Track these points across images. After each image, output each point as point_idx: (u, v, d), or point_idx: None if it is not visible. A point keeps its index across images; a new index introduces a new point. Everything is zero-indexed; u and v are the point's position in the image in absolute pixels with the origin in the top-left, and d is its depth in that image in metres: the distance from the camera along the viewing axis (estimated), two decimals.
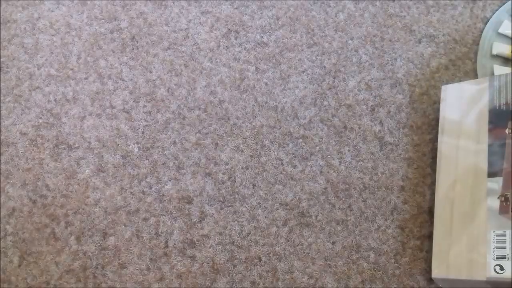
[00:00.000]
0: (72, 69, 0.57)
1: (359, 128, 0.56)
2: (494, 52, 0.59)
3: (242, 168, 0.54)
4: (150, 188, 0.53)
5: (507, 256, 0.43)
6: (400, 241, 0.51)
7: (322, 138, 0.55)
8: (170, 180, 0.53)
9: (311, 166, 0.54)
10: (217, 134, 0.55)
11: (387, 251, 0.51)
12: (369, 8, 0.62)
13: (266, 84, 0.57)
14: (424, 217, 0.52)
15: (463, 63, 0.59)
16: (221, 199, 0.53)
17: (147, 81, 0.57)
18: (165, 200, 0.52)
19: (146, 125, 0.55)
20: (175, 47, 0.59)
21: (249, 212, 0.52)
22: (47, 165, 0.53)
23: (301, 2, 0.62)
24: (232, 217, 0.52)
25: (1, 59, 0.57)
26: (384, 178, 0.54)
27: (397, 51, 0.60)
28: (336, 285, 0.50)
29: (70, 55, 0.58)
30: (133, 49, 0.58)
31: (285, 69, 0.58)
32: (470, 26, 0.61)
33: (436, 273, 0.47)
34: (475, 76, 0.59)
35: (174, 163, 0.54)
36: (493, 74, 0.57)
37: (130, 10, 0.61)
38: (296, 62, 0.58)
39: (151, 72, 0.57)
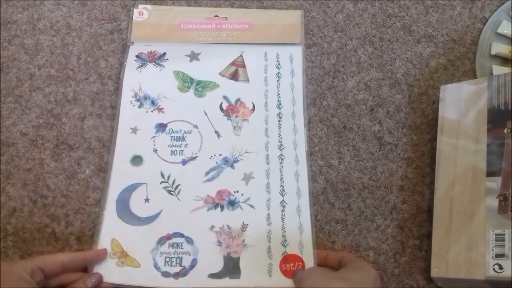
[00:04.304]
0: (72, 70, 0.57)
1: (359, 128, 0.56)
2: (493, 52, 0.59)
3: None
4: None
5: (506, 256, 0.43)
6: (400, 240, 0.51)
7: (321, 138, 0.55)
8: None
9: (311, 166, 0.54)
10: None
11: (386, 250, 0.51)
12: (368, 9, 0.62)
13: None
14: (423, 216, 0.52)
15: (462, 63, 0.60)
16: None
17: None
18: None
19: None
20: None
21: None
22: (48, 165, 0.53)
23: (301, 2, 0.62)
24: None
25: (2, 60, 0.58)
26: (383, 178, 0.54)
27: (396, 51, 0.60)
28: None
29: (71, 55, 0.58)
30: None
31: None
32: (469, 26, 0.61)
33: (435, 272, 0.47)
34: (474, 76, 0.59)
35: None
36: (492, 74, 0.58)
37: (130, 11, 0.61)
38: None
39: None
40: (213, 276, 0.47)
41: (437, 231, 0.49)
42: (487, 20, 0.61)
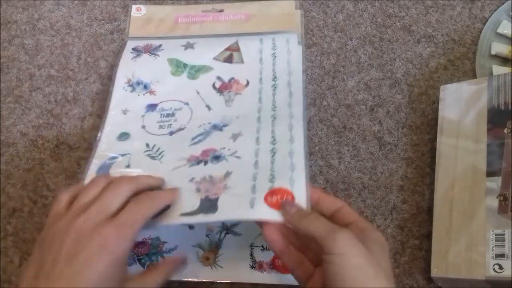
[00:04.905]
0: (72, 70, 0.58)
1: (358, 128, 0.56)
2: (493, 52, 0.59)
3: None
4: None
5: (506, 256, 0.43)
6: (400, 240, 0.51)
7: (321, 138, 0.55)
8: None
9: (311, 166, 0.54)
10: None
11: None
12: (368, 9, 0.62)
13: None
14: (423, 216, 0.52)
15: (462, 63, 0.60)
16: None
17: None
18: None
19: None
20: None
21: None
22: (48, 166, 0.53)
23: (301, 2, 0.62)
24: None
25: (2, 60, 0.58)
26: (383, 178, 0.54)
27: (396, 51, 0.60)
28: None
29: (71, 55, 0.58)
30: None
31: None
32: (468, 26, 0.61)
33: (435, 272, 0.47)
34: (474, 76, 0.59)
35: None
36: (492, 74, 0.58)
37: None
38: None
39: None
40: (185, 214, 0.41)
41: (437, 231, 0.49)
42: (487, 20, 0.61)
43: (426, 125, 0.56)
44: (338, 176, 0.54)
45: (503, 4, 0.62)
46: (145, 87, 0.54)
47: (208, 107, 0.52)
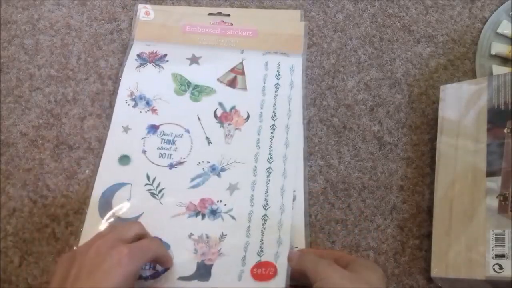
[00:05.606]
0: (72, 70, 0.58)
1: (358, 128, 0.56)
2: (493, 52, 0.59)
3: None
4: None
5: (506, 255, 0.43)
6: (399, 240, 0.51)
7: (321, 138, 0.55)
8: None
9: (311, 166, 0.54)
10: None
11: (386, 250, 0.51)
12: (368, 9, 0.62)
13: None
14: (423, 216, 0.52)
15: (462, 63, 0.60)
16: None
17: None
18: None
19: None
20: None
21: None
22: (48, 166, 0.53)
23: (300, 2, 0.62)
24: None
25: (2, 60, 0.58)
26: (383, 178, 0.54)
27: (396, 51, 0.60)
28: None
29: (70, 55, 0.58)
30: None
31: None
32: (468, 26, 0.61)
33: (435, 272, 0.47)
34: (474, 76, 0.59)
35: None
36: (492, 74, 0.58)
37: (130, 11, 0.61)
38: None
39: None
40: (182, 278, 0.47)
41: (437, 231, 0.49)
42: (487, 20, 0.61)
43: (426, 125, 0.56)
44: (338, 176, 0.54)
45: (503, 4, 0.62)
46: (148, 103, 0.54)
47: (208, 140, 0.53)
